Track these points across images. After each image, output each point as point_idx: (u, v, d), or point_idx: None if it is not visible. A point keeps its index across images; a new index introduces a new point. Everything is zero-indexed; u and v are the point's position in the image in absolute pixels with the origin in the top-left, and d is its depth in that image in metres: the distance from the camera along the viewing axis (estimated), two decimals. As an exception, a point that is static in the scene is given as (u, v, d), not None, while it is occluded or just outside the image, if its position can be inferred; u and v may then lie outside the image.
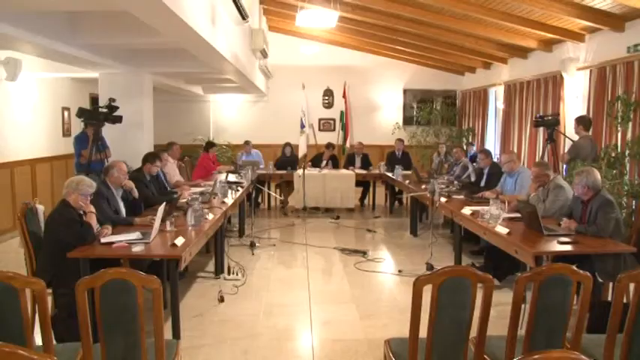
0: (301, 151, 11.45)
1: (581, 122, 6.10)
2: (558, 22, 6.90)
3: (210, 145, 9.06)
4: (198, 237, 4.06)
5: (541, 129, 7.68)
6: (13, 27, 4.34)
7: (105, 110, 5.92)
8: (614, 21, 6.17)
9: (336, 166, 9.52)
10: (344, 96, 12.14)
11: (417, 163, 10.43)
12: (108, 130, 6.26)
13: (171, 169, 6.93)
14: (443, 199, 5.73)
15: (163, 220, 4.07)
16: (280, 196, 9.30)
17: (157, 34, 4.72)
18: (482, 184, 6.59)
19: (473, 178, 7.15)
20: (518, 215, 4.57)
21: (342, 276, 5.39)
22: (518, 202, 4.79)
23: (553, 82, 7.88)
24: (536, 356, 1.51)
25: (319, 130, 12.30)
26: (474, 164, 7.40)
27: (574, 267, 2.42)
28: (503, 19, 7.02)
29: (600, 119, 6.57)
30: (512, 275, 4.81)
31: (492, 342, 2.64)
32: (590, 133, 6.28)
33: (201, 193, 5.74)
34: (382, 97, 12.40)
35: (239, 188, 6.67)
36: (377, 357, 3.51)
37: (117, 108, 5.96)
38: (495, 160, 7.67)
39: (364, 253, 6.17)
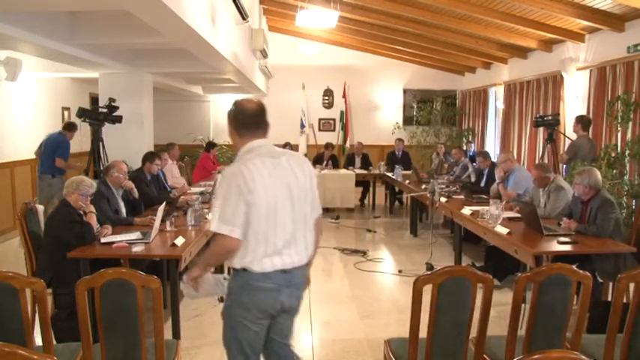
0: (301, 151, 11.44)
1: (581, 122, 6.09)
2: (558, 22, 6.89)
3: (211, 145, 9.07)
4: (198, 237, 4.06)
5: (541, 129, 7.67)
6: (13, 27, 4.34)
7: (105, 110, 5.93)
8: (614, 21, 6.17)
9: (336, 166, 9.52)
10: (344, 96, 12.13)
11: (416, 163, 10.43)
12: (108, 130, 6.25)
13: (170, 170, 6.92)
14: (443, 199, 5.73)
15: (163, 220, 4.07)
16: (280, 196, 9.28)
17: (157, 34, 4.72)
18: (482, 184, 6.59)
19: (473, 179, 7.16)
20: (518, 215, 4.58)
21: (342, 276, 5.39)
22: (518, 201, 4.79)
23: (553, 82, 7.87)
24: (536, 356, 1.50)
25: (319, 130, 12.31)
26: (474, 164, 7.40)
27: (574, 267, 2.42)
28: (503, 19, 7.01)
29: (600, 119, 6.56)
30: (512, 275, 4.81)
31: (492, 342, 2.64)
32: (590, 133, 6.28)
33: (201, 193, 5.74)
34: (382, 97, 12.39)
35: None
36: (377, 357, 3.51)
37: (117, 108, 5.96)
38: (495, 160, 7.67)
39: (364, 253, 6.17)
